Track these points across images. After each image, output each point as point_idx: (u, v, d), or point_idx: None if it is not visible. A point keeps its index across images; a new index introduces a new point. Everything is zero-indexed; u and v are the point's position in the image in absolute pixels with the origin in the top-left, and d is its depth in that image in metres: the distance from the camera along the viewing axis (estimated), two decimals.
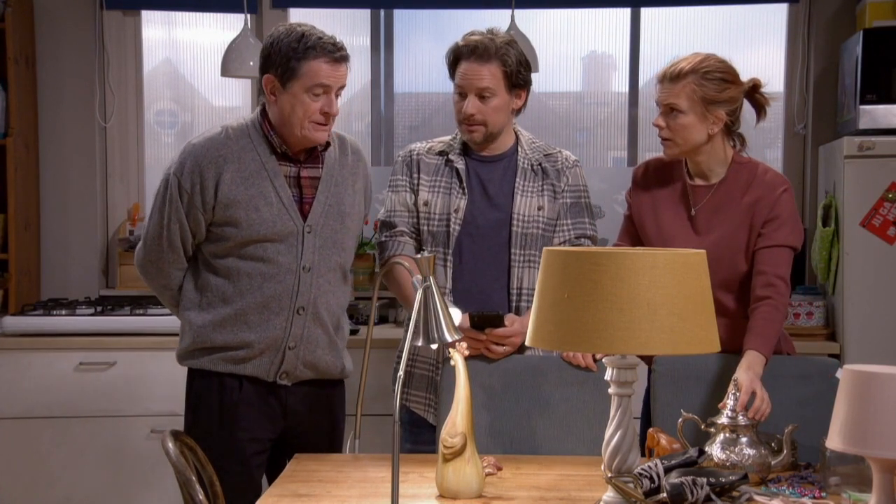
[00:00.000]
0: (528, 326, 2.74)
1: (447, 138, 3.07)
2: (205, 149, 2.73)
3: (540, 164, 3.01)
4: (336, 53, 2.70)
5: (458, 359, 2.32)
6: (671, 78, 2.77)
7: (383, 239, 3.01)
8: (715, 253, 2.59)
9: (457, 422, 2.26)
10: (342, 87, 2.77)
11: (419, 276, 2.34)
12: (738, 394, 2.39)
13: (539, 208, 2.96)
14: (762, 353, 2.62)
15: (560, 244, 2.98)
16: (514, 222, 2.95)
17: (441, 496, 2.25)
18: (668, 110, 2.78)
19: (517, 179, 2.98)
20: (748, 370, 2.55)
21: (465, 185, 2.97)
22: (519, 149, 3.02)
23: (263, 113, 2.79)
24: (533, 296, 2.87)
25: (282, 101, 2.72)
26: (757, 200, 2.78)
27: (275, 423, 2.81)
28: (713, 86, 2.76)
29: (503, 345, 2.84)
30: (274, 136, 2.75)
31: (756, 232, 2.78)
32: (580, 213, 3.02)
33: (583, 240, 3.00)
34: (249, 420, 2.77)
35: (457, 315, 2.73)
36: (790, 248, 2.78)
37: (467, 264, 2.96)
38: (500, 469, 2.41)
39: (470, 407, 2.28)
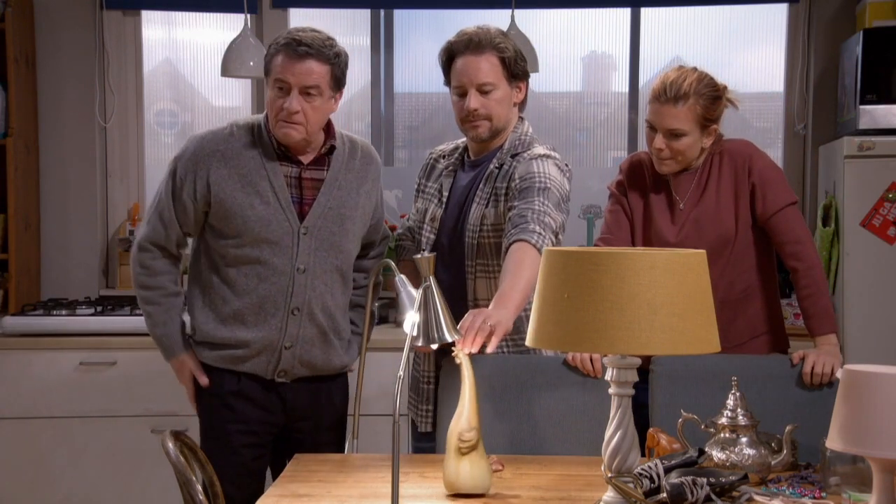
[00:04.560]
0: (496, 310, 2.46)
1: (460, 141, 2.98)
2: (206, 141, 2.76)
3: (502, 166, 2.80)
4: (296, 48, 2.63)
5: (462, 357, 2.32)
6: (673, 100, 2.75)
7: (399, 242, 3.02)
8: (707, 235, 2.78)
9: (470, 417, 2.25)
10: (313, 87, 2.65)
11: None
12: (738, 393, 2.39)
13: (483, 217, 2.77)
14: (825, 332, 2.74)
15: (508, 234, 2.61)
16: (467, 233, 2.81)
17: (451, 495, 2.22)
18: (670, 133, 2.78)
19: (480, 185, 2.81)
20: (821, 347, 2.72)
21: (442, 193, 2.90)
22: (499, 152, 2.83)
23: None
24: (489, 306, 2.59)
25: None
26: (733, 167, 2.84)
27: (274, 417, 2.82)
28: (710, 104, 2.78)
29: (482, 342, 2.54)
30: (272, 137, 2.75)
31: (745, 193, 2.82)
32: (529, 194, 2.64)
33: (530, 223, 2.58)
34: (245, 413, 2.78)
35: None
36: (790, 204, 2.83)
37: (437, 275, 2.57)
38: (502, 467, 2.41)
39: (477, 403, 2.27)
